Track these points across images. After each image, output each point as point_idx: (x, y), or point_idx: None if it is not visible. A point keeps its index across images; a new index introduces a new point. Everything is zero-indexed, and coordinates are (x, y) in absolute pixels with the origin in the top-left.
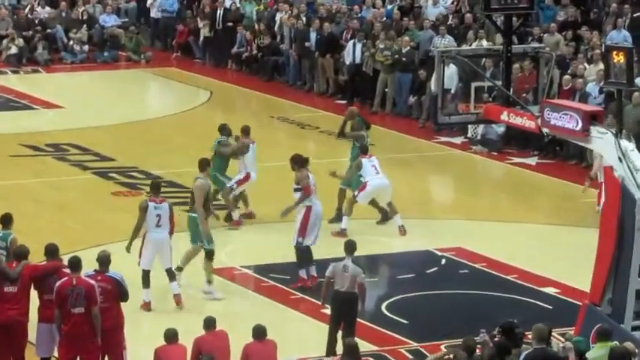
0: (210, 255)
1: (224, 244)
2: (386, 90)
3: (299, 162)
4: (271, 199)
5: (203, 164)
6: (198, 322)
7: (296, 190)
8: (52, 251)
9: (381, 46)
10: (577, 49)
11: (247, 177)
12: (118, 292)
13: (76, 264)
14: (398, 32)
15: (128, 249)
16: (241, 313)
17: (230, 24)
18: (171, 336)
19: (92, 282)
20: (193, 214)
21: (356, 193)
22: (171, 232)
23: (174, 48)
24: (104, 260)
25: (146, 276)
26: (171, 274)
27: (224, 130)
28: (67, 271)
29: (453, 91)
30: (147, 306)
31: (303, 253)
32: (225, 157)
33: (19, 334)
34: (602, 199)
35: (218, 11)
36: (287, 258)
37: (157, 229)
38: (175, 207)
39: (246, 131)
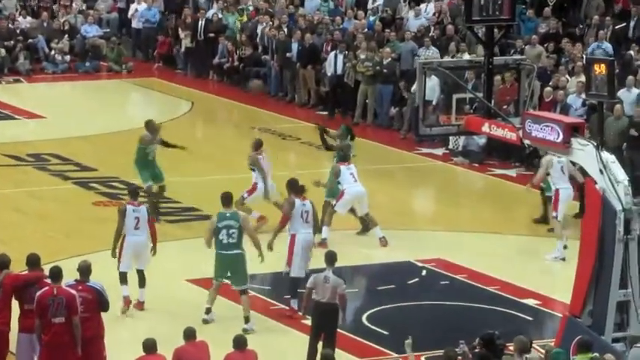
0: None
1: (205, 253)
2: (367, 101)
3: (293, 188)
4: (254, 209)
5: (229, 199)
6: (179, 331)
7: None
8: (33, 261)
9: (362, 56)
10: (558, 61)
11: (255, 187)
12: (98, 301)
13: (57, 274)
14: (379, 44)
15: (113, 254)
16: (221, 324)
17: (212, 35)
18: (150, 346)
19: (73, 292)
20: (239, 252)
21: (334, 202)
22: (153, 238)
23: (155, 58)
24: (85, 270)
25: (124, 277)
26: (142, 279)
27: (148, 125)
28: (49, 281)
29: (434, 103)
30: (127, 304)
31: (291, 284)
32: (147, 156)
33: (0, 344)
34: (559, 209)
35: (200, 22)
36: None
37: (135, 232)
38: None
39: (256, 145)
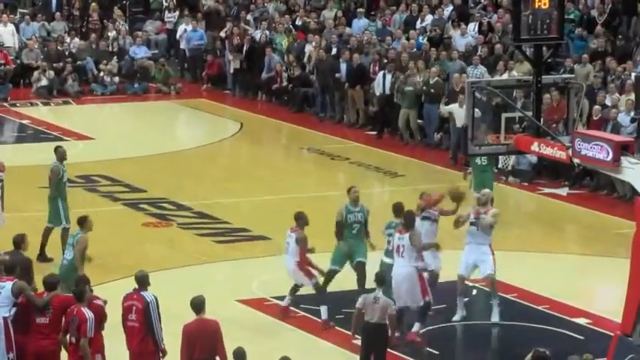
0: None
1: (254, 275)
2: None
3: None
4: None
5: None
6: (228, 350)
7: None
8: (82, 282)
9: (407, 74)
10: (605, 79)
11: None
12: (145, 312)
13: (79, 295)
14: (427, 63)
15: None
16: (272, 345)
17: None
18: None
19: (87, 314)
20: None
21: None
22: None
23: (203, 79)
24: (142, 280)
25: None
26: None
27: (57, 152)
28: (99, 302)
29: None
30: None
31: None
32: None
33: None
34: None
35: (247, 43)
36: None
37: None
38: (204, 237)
39: None
